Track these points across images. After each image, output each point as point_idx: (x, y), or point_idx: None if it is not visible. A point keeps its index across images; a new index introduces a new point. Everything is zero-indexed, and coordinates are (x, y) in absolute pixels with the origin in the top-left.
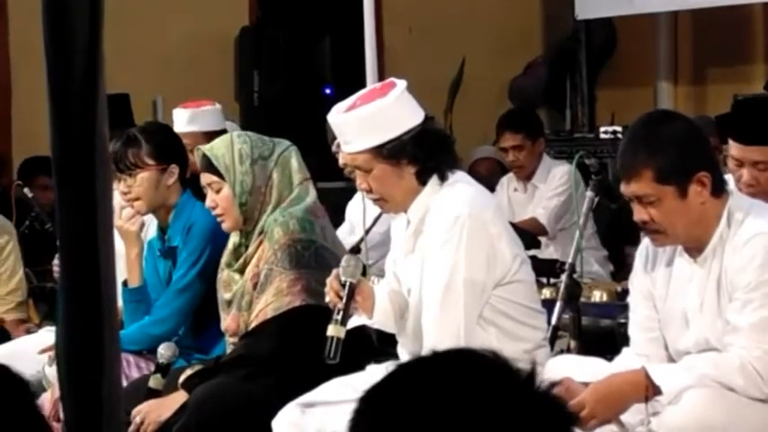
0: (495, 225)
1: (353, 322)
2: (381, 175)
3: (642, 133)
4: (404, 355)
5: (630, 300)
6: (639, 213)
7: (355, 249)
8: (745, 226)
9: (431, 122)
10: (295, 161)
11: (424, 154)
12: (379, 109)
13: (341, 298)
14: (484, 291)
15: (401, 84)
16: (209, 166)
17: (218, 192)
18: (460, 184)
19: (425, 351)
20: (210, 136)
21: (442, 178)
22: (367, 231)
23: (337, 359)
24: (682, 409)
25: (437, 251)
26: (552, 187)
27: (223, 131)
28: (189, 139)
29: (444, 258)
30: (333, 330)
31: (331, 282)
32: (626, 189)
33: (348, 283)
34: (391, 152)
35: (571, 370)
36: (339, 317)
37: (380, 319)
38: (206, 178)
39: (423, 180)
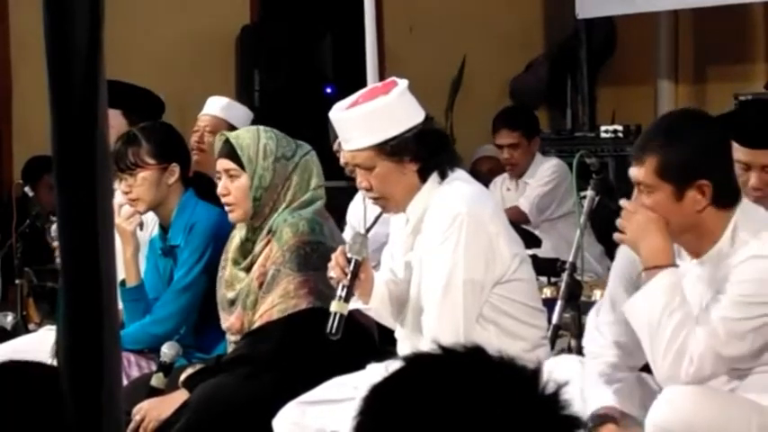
0: (494, 223)
1: (351, 308)
2: (383, 173)
3: (665, 124)
4: (403, 354)
5: (609, 288)
6: (639, 198)
7: (366, 230)
8: (748, 247)
9: (431, 122)
10: (315, 167)
11: (427, 152)
12: (383, 106)
13: (346, 274)
14: (483, 290)
15: (403, 82)
16: (231, 153)
17: (233, 180)
18: (459, 182)
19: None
20: (229, 129)
21: (442, 176)
22: (368, 230)
23: (339, 335)
24: (668, 408)
25: (436, 250)
26: (538, 179)
27: None
28: (208, 122)
29: (443, 257)
30: (336, 306)
31: (337, 257)
32: (630, 171)
33: (354, 261)
34: (394, 149)
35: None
36: (343, 293)
37: (377, 306)
38: (224, 164)
39: (424, 178)
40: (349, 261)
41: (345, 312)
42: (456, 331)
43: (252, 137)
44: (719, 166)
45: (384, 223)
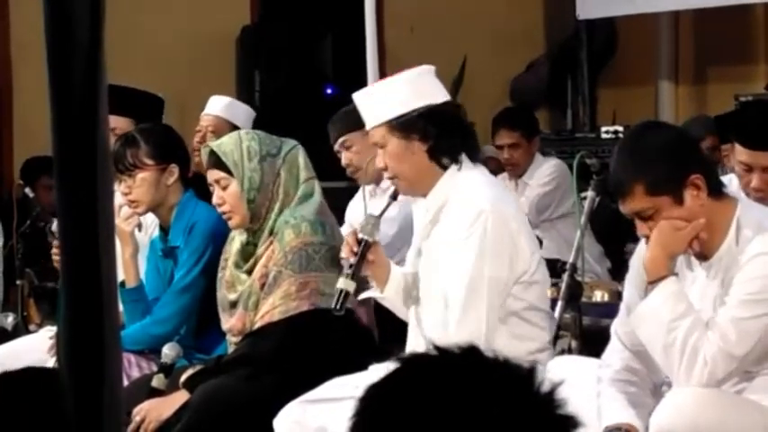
0: (516, 221)
1: (366, 296)
2: (394, 151)
3: (627, 150)
4: (412, 348)
5: (626, 300)
6: (642, 229)
7: (380, 214)
8: (752, 244)
9: (451, 106)
10: (302, 160)
11: (436, 131)
12: (392, 84)
13: (355, 254)
14: (506, 287)
15: (427, 67)
16: (217, 163)
17: (225, 189)
18: (477, 173)
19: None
20: (231, 128)
21: (457, 161)
22: (381, 214)
23: (343, 311)
24: (673, 410)
25: (458, 245)
26: (538, 179)
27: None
28: (210, 122)
29: (467, 254)
30: (342, 283)
31: (348, 237)
32: (623, 208)
33: (364, 241)
34: (402, 126)
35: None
36: (350, 271)
37: (391, 295)
38: (213, 175)
39: (437, 160)
40: (359, 242)
41: (351, 290)
42: (479, 329)
43: (234, 142)
44: (696, 157)
45: (388, 223)
